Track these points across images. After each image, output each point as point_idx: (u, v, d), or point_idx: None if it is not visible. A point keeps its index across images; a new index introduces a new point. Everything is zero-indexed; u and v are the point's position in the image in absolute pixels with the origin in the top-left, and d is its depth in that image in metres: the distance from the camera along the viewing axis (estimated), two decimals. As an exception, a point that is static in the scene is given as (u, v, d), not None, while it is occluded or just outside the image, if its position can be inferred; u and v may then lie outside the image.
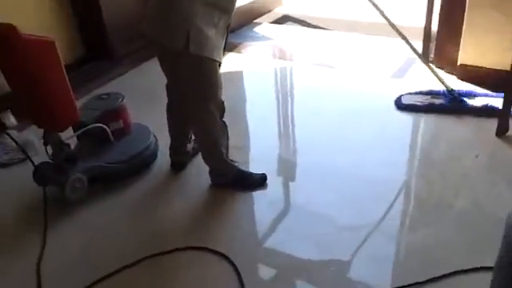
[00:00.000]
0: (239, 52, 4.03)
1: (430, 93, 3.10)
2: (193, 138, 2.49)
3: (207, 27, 1.88)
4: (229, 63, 3.82)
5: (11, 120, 2.92)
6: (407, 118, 2.95)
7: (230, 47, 4.06)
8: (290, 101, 3.38)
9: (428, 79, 3.27)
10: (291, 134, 2.96)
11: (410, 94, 3.11)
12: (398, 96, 3.09)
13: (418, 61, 3.53)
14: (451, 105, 2.96)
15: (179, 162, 2.51)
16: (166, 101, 2.36)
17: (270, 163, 2.59)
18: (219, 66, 2.09)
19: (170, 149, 2.49)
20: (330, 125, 2.89)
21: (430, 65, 3.06)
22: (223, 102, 2.15)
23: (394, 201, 2.24)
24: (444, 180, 2.34)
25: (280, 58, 3.95)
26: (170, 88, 2.27)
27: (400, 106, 3.02)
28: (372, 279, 1.84)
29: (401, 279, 1.81)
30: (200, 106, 2.09)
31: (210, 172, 2.33)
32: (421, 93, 3.11)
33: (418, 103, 3.02)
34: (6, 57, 1.96)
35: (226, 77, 3.56)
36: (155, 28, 1.96)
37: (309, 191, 2.35)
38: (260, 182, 2.37)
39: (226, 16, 1.96)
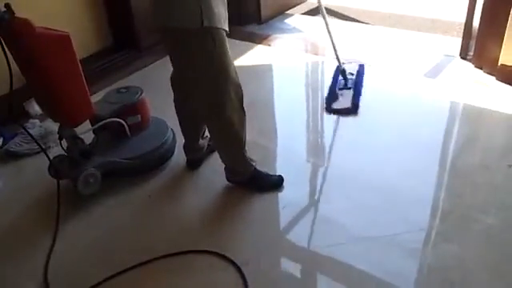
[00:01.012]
0: (268, 45, 3.93)
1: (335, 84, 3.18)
2: (206, 134, 2.44)
3: None
4: (257, 56, 3.75)
5: (35, 109, 2.96)
6: (439, 121, 2.79)
7: (258, 39, 3.98)
8: (319, 98, 3.26)
9: (464, 81, 3.10)
10: (316, 134, 2.85)
11: (331, 99, 3.04)
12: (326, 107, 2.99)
13: (456, 59, 3.37)
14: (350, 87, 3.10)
15: (194, 160, 2.47)
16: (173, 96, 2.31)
17: (290, 163, 2.50)
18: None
19: (184, 147, 2.45)
20: (357, 125, 2.78)
21: (332, 37, 3.04)
22: (240, 86, 2.05)
23: (414, 212, 2.11)
24: (471, 192, 2.20)
25: (311, 53, 3.81)
26: (177, 80, 2.21)
27: (345, 112, 2.94)
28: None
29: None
30: (217, 86, 1.98)
31: (226, 168, 2.27)
32: (331, 93, 3.12)
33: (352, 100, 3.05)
34: (19, 50, 1.94)
35: (254, 70, 3.55)
36: (164, 14, 1.88)
37: (326, 197, 2.27)
38: (276, 184, 2.30)
39: None
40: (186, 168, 2.49)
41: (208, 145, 2.49)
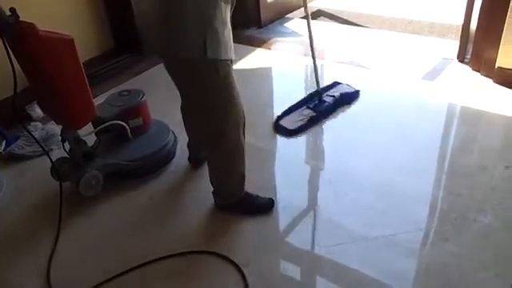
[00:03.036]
0: (268, 48, 3.97)
1: (303, 103, 2.99)
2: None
3: (221, 26, 1.73)
4: (257, 59, 3.78)
5: (37, 111, 2.98)
6: (437, 123, 2.82)
7: (258, 43, 4.02)
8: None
9: (462, 84, 3.13)
10: (315, 136, 2.88)
11: (286, 114, 2.91)
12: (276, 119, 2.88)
13: (453, 62, 3.41)
14: (316, 111, 2.90)
15: (197, 158, 2.49)
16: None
17: (289, 165, 2.54)
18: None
19: (188, 145, 2.48)
20: (354, 127, 2.81)
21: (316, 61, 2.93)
22: (243, 114, 1.97)
23: (412, 211, 2.14)
24: (469, 192, 2.22)
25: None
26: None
27: (284, 132, 2.78)
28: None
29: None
30: (217, 117, 1.89)
31: (215, 192, 2.20)
32: (291, 109, 2.95)
33: (301, 123, 2.81)
34: (24, 54, 1.97)
35: (254, 73, 3.58)
36: (163, 40, 1.81)
37: (325, 198, 2.29)
38: (265, 207, 2.20)
39: (229, 5, 1.80)
40: (187, 170, 2.52)
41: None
